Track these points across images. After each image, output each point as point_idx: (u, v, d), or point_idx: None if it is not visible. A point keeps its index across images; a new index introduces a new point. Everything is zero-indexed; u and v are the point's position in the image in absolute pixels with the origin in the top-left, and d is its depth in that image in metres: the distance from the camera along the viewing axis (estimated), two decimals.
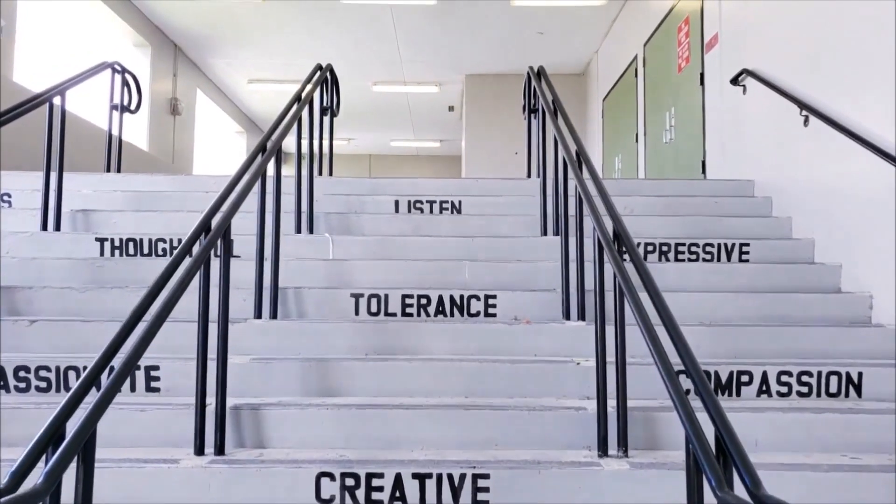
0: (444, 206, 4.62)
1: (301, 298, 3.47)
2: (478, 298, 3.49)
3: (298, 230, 4.15)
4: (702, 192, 4.90)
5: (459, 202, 4.62)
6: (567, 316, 3.39)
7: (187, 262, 2.48)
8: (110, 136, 5.11)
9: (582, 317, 3.35)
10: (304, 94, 4.18)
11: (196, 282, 2.49)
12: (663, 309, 2.33)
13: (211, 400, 2.53)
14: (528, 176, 5.30)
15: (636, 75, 8.12)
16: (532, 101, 5.01)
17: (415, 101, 12.69)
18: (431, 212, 4.60)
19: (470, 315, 3.48)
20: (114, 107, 5.13)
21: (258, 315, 3.33)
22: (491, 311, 3.48)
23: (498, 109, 11.10)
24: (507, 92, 10.98)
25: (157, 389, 2.92)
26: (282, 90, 11.64)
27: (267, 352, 3.16)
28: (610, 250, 2.61)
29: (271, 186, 3.63)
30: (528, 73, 4.95)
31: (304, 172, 4.35)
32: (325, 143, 5.29)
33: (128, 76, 5.16)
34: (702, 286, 3.78)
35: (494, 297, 3.49)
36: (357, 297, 3.47)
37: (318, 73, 4.66)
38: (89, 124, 6.91)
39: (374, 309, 3.47)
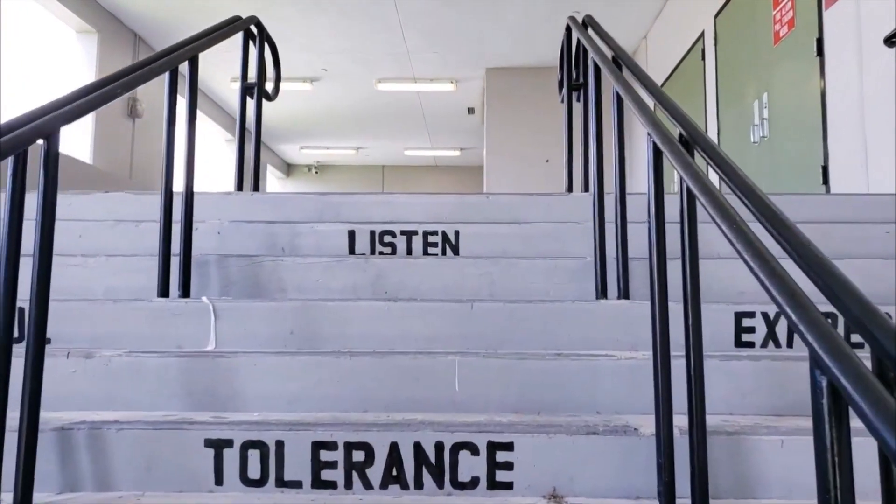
0: (432, 239, 2.80)
1: (105, 449, 1.67)
2: (475, 451, 1.65)
3: (165, 291, 2.36)
4: (855, 212, 3.01)
5: (456, 234, 2.80)
6: (669, 499, 1.54)
7: None
8: None
9: (704, 498, 1.50)
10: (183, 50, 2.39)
11: None
12: None
13: None
14: (570, 189, 3.45)
15: (703, 57, 6.25)
16: (574, 73, 3.18)
17: (428, 101, 10.91)
18: (409, 251, 2.78)
19: (457, 486, 1.65)
20: None
21: None
22: (502, 477, 1.65)
23: (525, 110, 9.29)
24: (536, 89, 9.18)
25: None
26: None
27: None
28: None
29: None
30: (567, 25, 3.12)
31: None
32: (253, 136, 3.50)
33: None
34: None
35: (510, 446, 1.65)
36: (220, 448, 1.66)
37: (230, 26, 2.87)
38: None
39: (254, 473, 1.65)
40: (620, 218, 2.41)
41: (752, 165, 5.08)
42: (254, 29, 3.21)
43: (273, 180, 14.58)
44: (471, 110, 11.29)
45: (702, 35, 6.32)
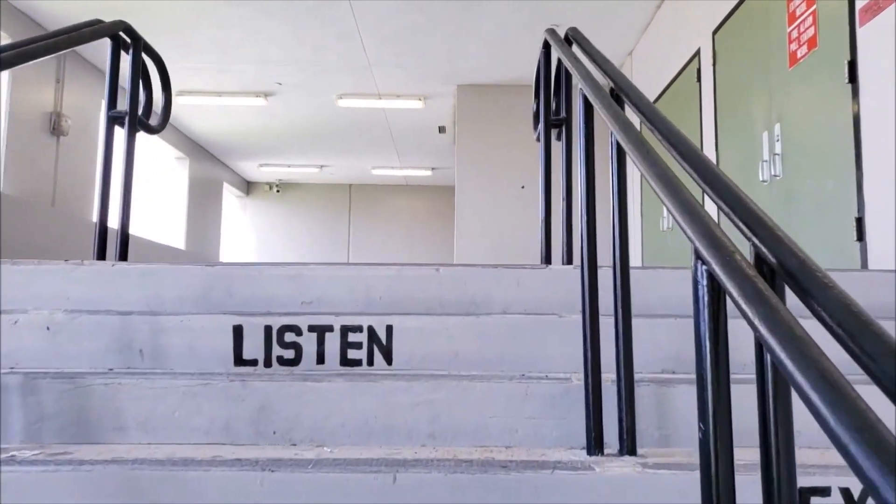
0: (354, 338, 1.98)
1: None
2: None
3: None
4: None
5: (388, 331, 1.98)
6: None
7: None
8: None
9: None
10: None
11: None
12: None
13: None
14: (547, 260, 2.63)
15: (699, 79, 5.52)
16: (555, 103, 2.39)
17: (395, 118, 10.10)
18: (320, 358, 1.96)
19: None
20: None
21: None
22: None
23: (500, 130, 8.52)
24: (512, 108, 8.44)
25: None
26: (221, 105, 9.12)
27: None
28: None
29: None
30: (545, 41, 2.33)
31: None
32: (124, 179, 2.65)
33: None
34: None
35: None
36: None
37: (81, 32, 2.03)
38: None
39: None
40: (622, 321, 1.62)
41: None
42: (124, 37, 2.37)
43: (231, 199, 13.67)
44: (441, 129, 10.50)
45: (697, 53, 5.60)
